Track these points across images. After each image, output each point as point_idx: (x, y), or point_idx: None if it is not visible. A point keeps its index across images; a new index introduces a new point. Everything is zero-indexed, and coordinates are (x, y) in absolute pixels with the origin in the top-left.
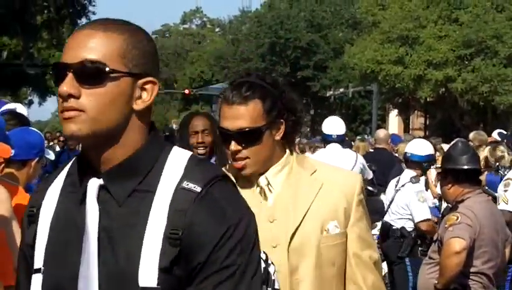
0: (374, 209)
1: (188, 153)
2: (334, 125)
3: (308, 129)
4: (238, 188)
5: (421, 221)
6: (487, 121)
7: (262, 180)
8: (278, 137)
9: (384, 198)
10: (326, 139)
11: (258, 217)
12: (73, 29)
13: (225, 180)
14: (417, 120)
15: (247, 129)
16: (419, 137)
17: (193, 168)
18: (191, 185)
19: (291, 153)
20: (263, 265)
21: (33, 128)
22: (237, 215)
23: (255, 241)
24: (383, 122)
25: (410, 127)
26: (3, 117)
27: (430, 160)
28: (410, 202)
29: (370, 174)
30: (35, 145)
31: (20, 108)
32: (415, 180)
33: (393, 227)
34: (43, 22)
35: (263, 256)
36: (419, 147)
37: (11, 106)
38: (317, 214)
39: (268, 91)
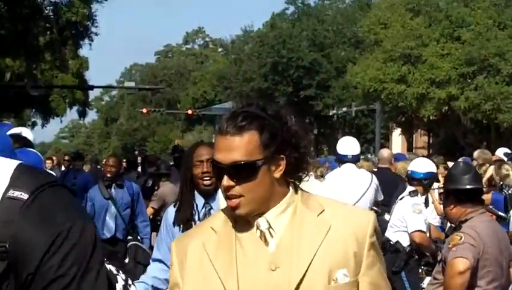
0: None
1: (15, 162)
2: (349, 145)
3: (312, 148)
4: (236, 232)
5: (414, 231)
6: (490, 139)
7: (262, 222)
8: (277, 174)
9: (388, 218)
10: (342, 160)
11: (258, 264)
12: (75, 50)
13: (58, 186)
14: (420, 139)
15: (241, 163)
16: (423, 156)
17: (20, 176)
18: (17, 193)
19: (296, 192)
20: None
21: (31, 150)
22: (68, 221)
23: (94, 248)
24: (386, 141)
25: (414, 145)
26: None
27: (430, 177)
28: (405, 213)
29: (381, 196)
30: (34, 165)
31: (26, 132)
32: (413, 194)
33: (390, 242)
34: (45, 44)
35: (123, 276)
36: (420, 164)
37: (16, 130)
38: (324, 262)
39: (267, 122)
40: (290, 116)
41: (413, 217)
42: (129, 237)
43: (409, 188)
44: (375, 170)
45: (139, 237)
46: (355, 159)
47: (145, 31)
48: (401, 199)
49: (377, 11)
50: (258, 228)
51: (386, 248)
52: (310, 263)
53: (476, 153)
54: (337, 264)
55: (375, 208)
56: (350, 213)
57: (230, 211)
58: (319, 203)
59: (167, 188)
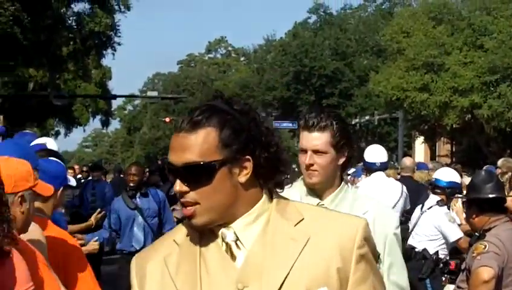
0: (403, 237)
1: None
2: (377, 153)
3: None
4: (201, 246)
5: (458, 239)
6: None
7: (228, 233)
8: (242, 178)
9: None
10: (370, 168)
11: (223, 282)
12: (99, 60)
13: None
14: (443, 147)
15: (194, 164)
16: (446, 164)
17: None
18: None
19: (271, 199)
20: None
21: (53, 159)
22: None
23: None
24: (409, 149)
25: (437, 154)
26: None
27: (453, 187)
28: (441, 223)
29: (409, 204)
30: (58, 175)
31: (51, 143)
32: (441, 203)
33: (416, 249)
34: (69, 53)
35: None
36: (444, 173)
37: (40, 140)
38: (300, 279)
39: (230, 118)
40: (258, 113)
41: (450, 226)
42: None
43: (434, 197)
44: (398, 177)
45: None
46: (383, 167)
47: (168, 40)
48: (429, 208)
49: (399, 19)
50: (223, 240)
51: (410, 256)
52: (283, 281)
53: (500, 162)
54: (316, 281)
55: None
56: (334, 222)
57: (188, 221)
58: (297, 211)
59: None
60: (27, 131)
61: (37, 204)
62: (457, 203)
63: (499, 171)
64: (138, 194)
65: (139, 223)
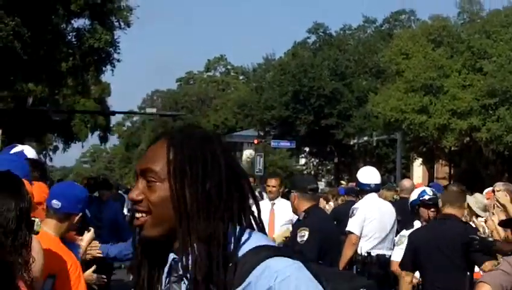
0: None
1: None
2: (370, 174)
3: (332, 177)
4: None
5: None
6: None
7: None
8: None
9: None
10: (364, 189)
11: None
12: (98, 76)
13: None
14: (441, 169)
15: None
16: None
17: None
18: None
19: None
20: None
21: (78, 184)
22: None
23: None
24: (407, 171)
25: (435, 176)
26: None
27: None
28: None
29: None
30: (81, 200)
31: (28, 150)
32: (409, 225)
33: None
34: (68, 69)
35: None
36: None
37: (17, 149)
38: None
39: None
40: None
41: (395, 249)
42: None
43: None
44: (397, 198)
45: None
46: (377, 189)
47: (167, 58)
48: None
49: (399, 41)
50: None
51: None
52: None
53: (497, 186)
54: None
55: (396, 238)
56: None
57: None
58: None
59: None
60: (14, 144)
61: (52, 223)
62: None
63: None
64: None
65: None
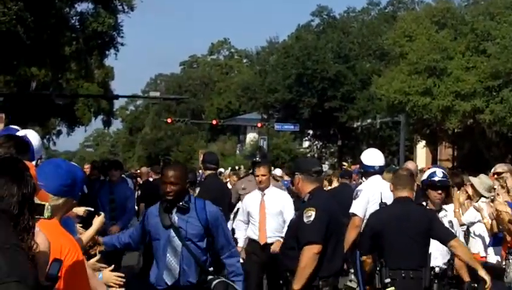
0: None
1: None
2: (375, 156)
3: (336, 160)
4: None
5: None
6: None
7: None
8: None
9: None
10: (368, 171)
11: None
12: (101, 60)
13: None
14: (445, 151)
15: None
16: (448, 168)
17: None
18: None
19: None
20: None
21: (78, 166)
22: None
23: None
24: (410, 153)
25: (438, 158)
26: None
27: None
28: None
29: None
30: (80, 183)
31: (31, 135)
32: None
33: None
34: (71, 53)
35: None
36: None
37: (21, 133)
38: None
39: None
40: None
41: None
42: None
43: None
44: None
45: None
46: (381, 171)
47: (171, 41)
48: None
49: (402, 23)
50: None
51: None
52: None
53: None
54: None
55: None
56: None
57: None
58: None
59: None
60: (12, 126)
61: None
62: (479, 202)
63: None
64: (175, 209)
65: (174, 248)
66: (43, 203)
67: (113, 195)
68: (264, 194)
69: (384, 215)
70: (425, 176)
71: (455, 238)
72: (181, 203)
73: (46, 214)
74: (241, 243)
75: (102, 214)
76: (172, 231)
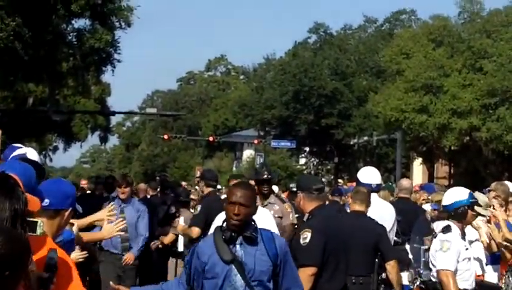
0: (398, 259)
1: None
2: (371, 174)
3: (332, 177)
4: None
5: (439, 270)
6: None
7: None
8: None
9: (408, 247)
10: None
11: None
12: (98, 76)
13: None
14: (441, 169)
15: None
16: (444, 186)
17: None
18: None
19: None
20: None
21: (66, 180)
22: None
23: None
24: (407, 170)
25: (435, 175)
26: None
27: (459, 206)
28: (435, 251)
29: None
30: (69, 195)
31: (31, 153)
32: (446, 230)
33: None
34: (68, 69)
35: None
36: (448, 197)
37: (21, 151)
38: None
39: None
40: None
41: (441, 255)
42: None
43: (441, 224)
44: (396, 199)
45: None
46: (378, 189)
47: (168, 57)
48: (435, 237)
49: (399, 41)
50: None
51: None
52: None
53: (493, 185)
54: None
55: (395, 238)
56: None
57: None
58: None
59: (189, 216)
60: (14, 145)
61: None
62: (477, 221)
63: (492, 194)
64: (239, 240)
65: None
66: (35, 220)
67: (123, 214)
68: None
69: (336, 226)
70: (462, 197)
71: (394, 260)
72: (248, 233)
73: (39, 231)
74: None
75: (75, 225)
76: (234, 267)
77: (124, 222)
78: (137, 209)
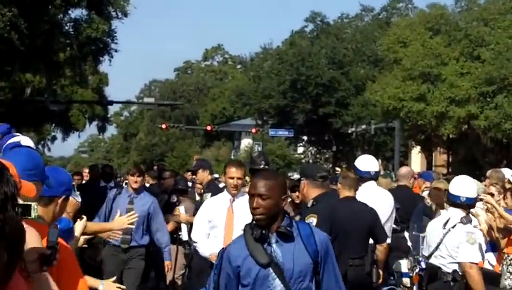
0: (397, 246)
1: None
2: (369, 162)
3: (331, 166)
4: None
5: (469, 262)
6: (510, 158)
7: None
8: None
9: (407, 235)
10: (363, 177)
11: None
12: (95, 66)
13: None
14: (440, 157)
15: None
16: (442, 174)
17: None
18: None
19: None
20: None
21: (62, 168)
22: None
23: None
24: (405, 159)
25: (433, 163)
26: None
27: (472, 202)
28: (460, 243)
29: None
30: (63, 182)
31: (25, 141)
32: (465, 220)
33: (443, 270)
34: (65, 59)
35: None
36: (462, 189)
37: (15, 139)
38: None
39: None
40: None
41: (468, 247)
42: None
43: (458, 213)
44: (395, 186)
45: None
46: (376, 176)
47: (165, 47)
48: (453, 226)
49: (396, 29)
50: None
51: (436, 275)
52: None
53: (489, 172)
54: None
55: (394, 225)
56: None
57: None
58: None
59: (189, 204)
60: (8, 129)
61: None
62: (476, 208)
63: (488, 181)
64: (274, 237)
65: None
66: (29, 203)
67: (132, 205)
68: (234, 200)
69: (337, 211)
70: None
71: (385, 243)
72: (282, 228)
73: (33, 213)
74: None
75: (84, 218)
76: (271, 270)
77: (136, 215)
78: (148, 202)
